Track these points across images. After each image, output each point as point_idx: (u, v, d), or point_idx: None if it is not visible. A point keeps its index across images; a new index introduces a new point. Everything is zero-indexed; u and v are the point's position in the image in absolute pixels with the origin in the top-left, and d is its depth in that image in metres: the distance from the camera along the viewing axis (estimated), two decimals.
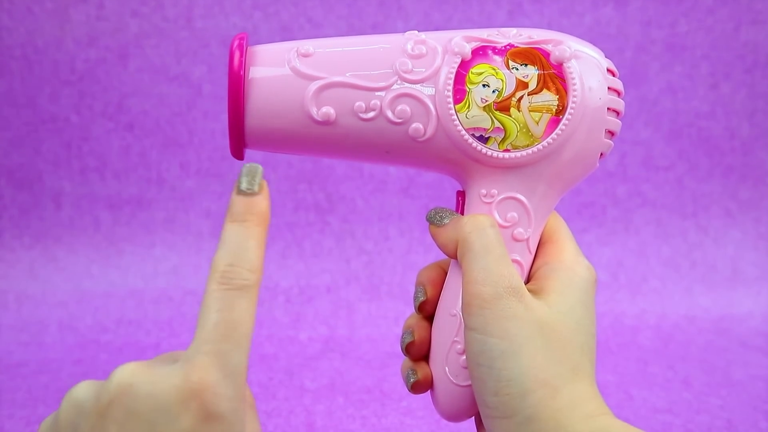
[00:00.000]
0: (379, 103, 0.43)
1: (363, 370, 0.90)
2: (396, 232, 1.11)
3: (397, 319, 1.04)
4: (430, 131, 0.44)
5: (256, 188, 0.40)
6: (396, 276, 1.08)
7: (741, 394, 0.86)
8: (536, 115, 0.43)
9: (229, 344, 0.37)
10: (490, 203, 0.45)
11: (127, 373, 0.37)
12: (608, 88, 0.44)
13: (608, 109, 0.44)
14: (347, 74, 0.43)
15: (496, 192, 0.45)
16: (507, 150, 0.44)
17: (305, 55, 0.44)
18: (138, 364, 0.37)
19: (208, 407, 0.36)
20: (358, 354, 0.95)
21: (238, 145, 0.45)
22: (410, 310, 1.05)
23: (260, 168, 0.40)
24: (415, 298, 0.48)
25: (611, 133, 0.45)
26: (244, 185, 0.40)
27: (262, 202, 0.40)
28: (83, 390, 0.38)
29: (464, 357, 0.45)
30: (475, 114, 0.43)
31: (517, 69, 0.43)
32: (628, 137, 1.12)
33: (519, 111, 0.43)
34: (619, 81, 0.45)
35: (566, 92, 0.43)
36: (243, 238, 0.38)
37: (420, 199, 1.11)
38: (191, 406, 0.36)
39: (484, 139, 0.44)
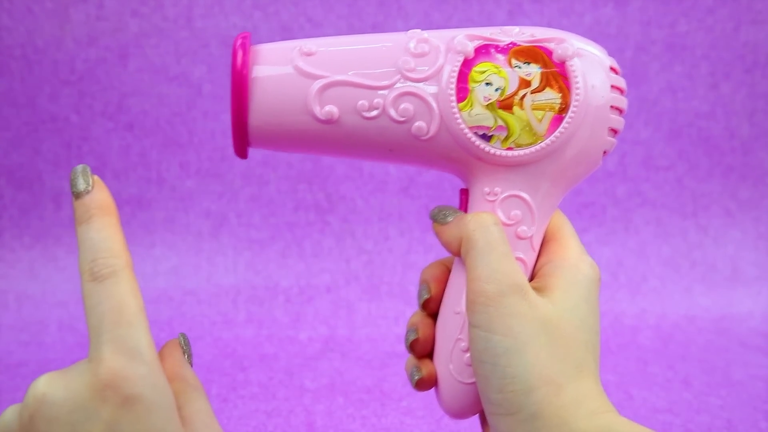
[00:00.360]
0: (381, 101, 0.43)
1: (363, 370, 0.90)
2: (396, 231, 1.10)
3: (397, 318, 1.04)
4: (433, 130, 0.44)
5: (90, 186, 0.41)
6: (396, 276, 1.08)
7: (741, 394, 0.86)
8: (539, 114, 0.43)
9: (123, 328, 0.38)
10: (494, 201, 0.45)
11: (41, 384, 0.38)
12: (611, 86, 0.44)
13: (611, 107, 0.44)
14: (350, 73, 0.43)
15: (500, 190, 0.45)
16: (510, 148, 0.44)
17: (308, 54, 0.44)
18: (50, 373, 0.38)
19: (123, 392, 0.37)
20: (358, 354, 0.95)
21: (242, 144, 0.45)
22: (410, 309, 1.05)
23: (87, 167, 0.42)
24: (420, 295, 0.48)
25: (614, 131, 0.45)
26: (81, 187, 0.41)
27: (98, 194, 0.41)
28: (8, 414, 0.39)
29: (468, 355, 0.45)
30: (478, 112, 0.43)
31: (520, 67, 0.43)
32: (628, 137, 1.12)
33: (522, 109, 0.43)
34: (622, 79, 0.45)
35: (569, 90, 0.43)
36: (94, 233, 0.40)
37: (420, 199, 1.11)
38: (107, 396, 0.37)
39: (487, 138, 0.44)
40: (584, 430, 0.40)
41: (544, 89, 0.43)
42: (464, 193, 0.47)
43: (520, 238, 0.45)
